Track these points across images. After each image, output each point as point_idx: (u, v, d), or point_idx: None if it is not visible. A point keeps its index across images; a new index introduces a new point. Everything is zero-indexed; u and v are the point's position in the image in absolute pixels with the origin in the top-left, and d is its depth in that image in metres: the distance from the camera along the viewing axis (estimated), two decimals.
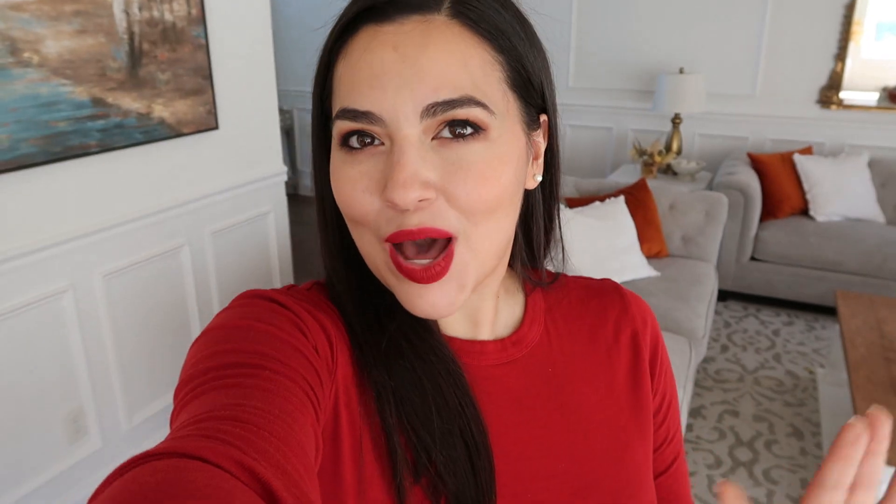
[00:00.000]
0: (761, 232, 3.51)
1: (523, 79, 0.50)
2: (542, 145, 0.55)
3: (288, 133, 5.72)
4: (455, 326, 0.57)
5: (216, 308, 2.53)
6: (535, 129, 0.53)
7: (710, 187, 3.80)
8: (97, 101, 1.98)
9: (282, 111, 5.27)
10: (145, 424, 2.30)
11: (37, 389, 1.95)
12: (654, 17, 4.21)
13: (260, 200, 2.70)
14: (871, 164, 3.66)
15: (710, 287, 2.87)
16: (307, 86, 5.54)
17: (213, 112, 2.38)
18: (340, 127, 0.47)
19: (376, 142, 0.47)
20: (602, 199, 3.01)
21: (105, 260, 2.08)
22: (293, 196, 5.45)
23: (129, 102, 2.08)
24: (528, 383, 0.57)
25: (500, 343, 0.58)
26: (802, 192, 3.60)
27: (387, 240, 0.47)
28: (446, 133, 0.46)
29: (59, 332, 1.99)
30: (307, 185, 5.94)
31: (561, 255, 0.63)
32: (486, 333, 0.58)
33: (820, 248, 3.39)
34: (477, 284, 0.50)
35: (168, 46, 2.18)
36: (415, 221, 0.46)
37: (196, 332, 2.46)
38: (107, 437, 2.17)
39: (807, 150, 3.81)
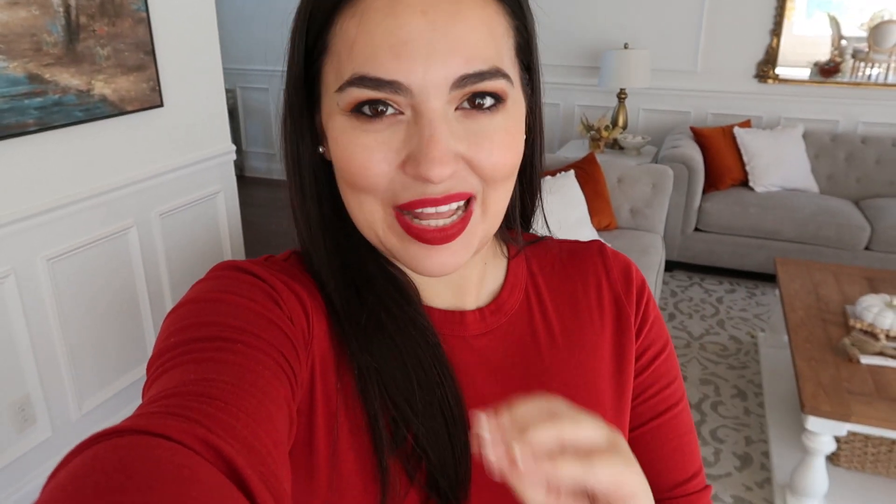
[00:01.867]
0: (704, 203, 3.63)
1: (527, 43, 0.50)
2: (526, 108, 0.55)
3: (232, 113, 5.58)
4: (439, 296, 0.56)
5: (166, 291, 2.47)
6: (527, 90, 0.53)
7: (655, 161, 3.90)
8: (33, 78, 1.90)
9: (225, 90, 5.13)
10: (96, 411, 2.24)
11: None
12: None
13: (209, 180, 2.64)
14: (806, 136, 3.82)
15: (658, 258, 2.96)
16: (251, 63, 5.41)
17: (157, 89, 2.31)
18: (355, 95, 0.45)
19: (390, 110, 0.45)
20: (553, 174, 3.05)
21: (48, 243, 2.01)
22: (240, 178, 5.33)
23: (68, 79, 2.00)
24: (507, 351, 0.56)
25: (479, 313, 0.57)
26: (742, 165, 3.73)
27: (403, 206, 0.46)
28: (466, 104, 0.45)
29: (2, 318, 1.91)
30: (254, 166, 5.82)
31: (543, 225, 0.63)
32: (470, 302, 0.57)
33: (759, 217, 3.53)
34: (479, 248, 0.51)
35: (107, 20, 2.09)
36: (440, 189, 0.45)
37: (146, 315, 2.40)
38: (56, 425, 2.11)
39: (746, 124, 3.94)
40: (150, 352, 2.44)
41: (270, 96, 5.50)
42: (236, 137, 5.65)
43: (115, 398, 2.31)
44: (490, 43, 0.45)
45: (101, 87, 2.11)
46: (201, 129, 2.57)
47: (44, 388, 2.05)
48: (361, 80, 0.44)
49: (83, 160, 2.09)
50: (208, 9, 2.53)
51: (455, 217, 0.48)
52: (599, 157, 3.37)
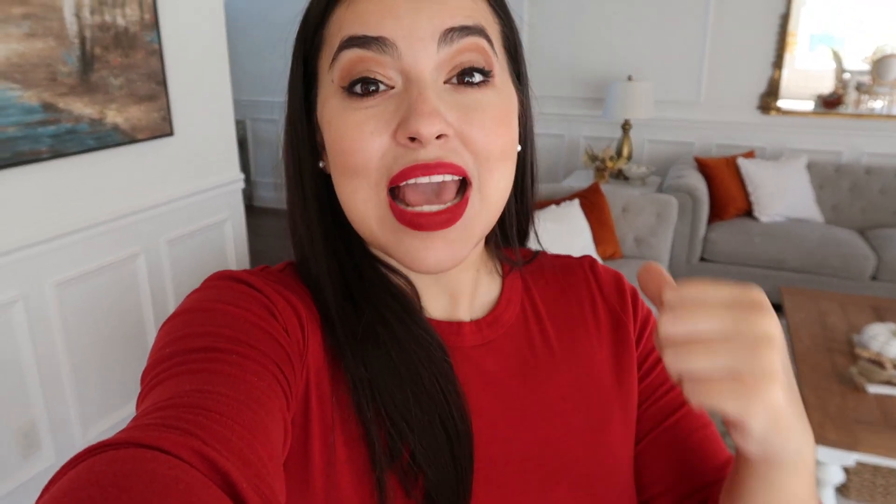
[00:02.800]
0: (709, 233, 3.64)
1: (512, 45, 0.51)
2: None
3: (241, 144, 5.65)
4: (434, 304, 0.56)
5: None
6: (518, 95, 0.53)
7: (659, 191, 3.92)
8: (48, 107, 1.94)
9: (234, 122, 5.21)
10: (101, 437, 2.23)
11: None
12: (602, 27, 4.33)
13: (217, 208, 2.67)
14: (810, 167, 3.84)
15: None
16: (260, 95, 5.51)
17: (167, 118, 2.35)
18: (346, 58, 0.46)
19: (381, 87, 0.46)
20: (558, 203, 3.07)
21: (57, 269, 2.03)
22: (249, 207, 5.38)
23: (81, 108, 2.04)
24: (503, 365, 0.56)
25: (475, 324, 0.56)
26: (747, 195, 3.74)
27: (396, 176, 0.46)
28: (455, 80, 0.46)
29: (10, 344, 1.93)
30: (263, 196, 5.87)
31: (534, 237, 0.64)
32: (464, 312, 0.57)
33: (764, 247, 3.53)
34: (477, 242, 0.50)
35: (121, 51, 2.15)
36: (432, 155, 0.45)
37: (152, 342, 2.41)
38: (61, 451, 2.10)
39: (749, 154, 3.96)
40: None
41: (280, 127, 5.56)
42: (246, 167, 5.72)
43: (120, 425, 2.31)
44: (475, 9, 0.47)
45: (114, 116, 2.15)
46: (210, 157, 2.61)
47: (49, 414, 2.06)
48: (351, 41, 0.45)
49: (94, 187, 2.13)
50: (220, 41, 2.59)
51: (451, 203, 0.47)
52: (604, 187, 3.39)
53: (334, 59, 0.47)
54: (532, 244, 0.64)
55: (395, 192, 0.48)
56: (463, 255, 0.48)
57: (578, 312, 0.61)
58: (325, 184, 0.54)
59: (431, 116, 0.43)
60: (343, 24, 0.46)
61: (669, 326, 0.37)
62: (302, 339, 0.49)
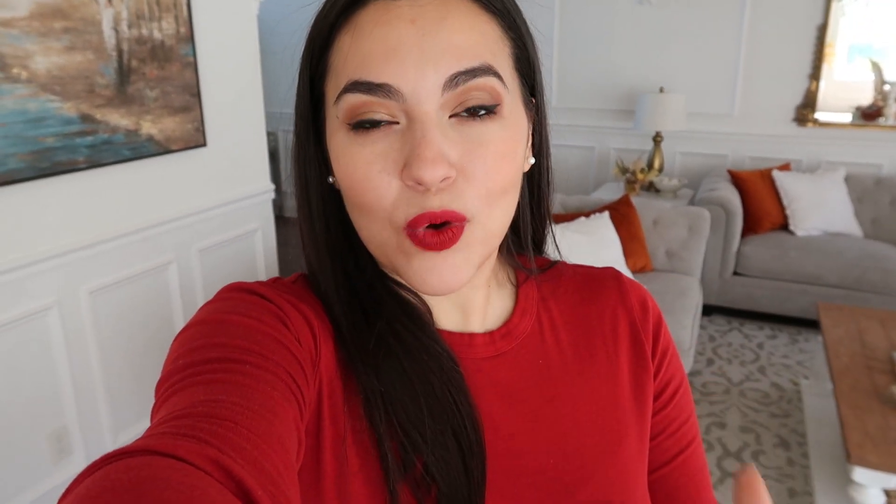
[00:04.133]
0: (743, 247, 3.57)
1: (525, 59, 0.51)
2: (530, 128, 0.55)
3: (273, 155, 5.73)
4: (445, 318, 0.56)
5: None
6: (531, 111, 0.53)
7: (692, 203, 3.86)
8: (85, 118, 1.99)
9: (266, 133, 5.28)
10: None
11: (20, 407, 1.92)
12: (634, 39, 4.30)
13: (248, 218, 2.70)
14: (848, 180, 3.75)
15: (695, 300, 2.90)
16: (291, 108, 5.58)
17: (201, 129, 2.39)
18: (350, 102, 0.46)
19: (384, 121, 0.45)
20: (587, 216, 3.04)
21: (91, 276, 2.07)
22: (279, 218, 5.45)
23: (118, 119, 2.09)
24: (517, 376, 0.55)
25: (488, 336, 0.56)
26: (782, 208, 3.66)
27: (408, 225, 0.46)
28: (463, 113, 0.46)
29: (44, 350, 1.96)
30: (292, 206, 5.94)
31: (554, 249, 0.63)
32: (476, 324, 0.56)
33: (800, 262, 3.45)
34: (481, 264, 0.50)
35: (157, 64, 2.19)
36: (437, 203, 0.45)
37: None
38: (91, 456, 2.13)
39: (785, 167, 3.89)
40: None
41: None
42: (277, 178, 5.79)
43: None
44: (481, 44, 0.46)
45: (149, 127, 2.20)
46: (242, 168, 2.65)
47: (80, 420, 2.09)
48: (355, 86, 0.45)
49: (128, 196, 2.17)
50: (253, 55, 2.64)
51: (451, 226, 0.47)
52: (635, 200, 3.35)
53: (339, 98, 0.46)
54: (552, 251, 0.63)
55: None
56: (467, 276, 0.48)
57: (598, 324, 0.60)
58: (333, 198, 0.54)
59: (434, 163, 0.43)
60: (347, 61, 0.46)
61: None
62: (314, 349, 0.49)
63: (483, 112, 0.46)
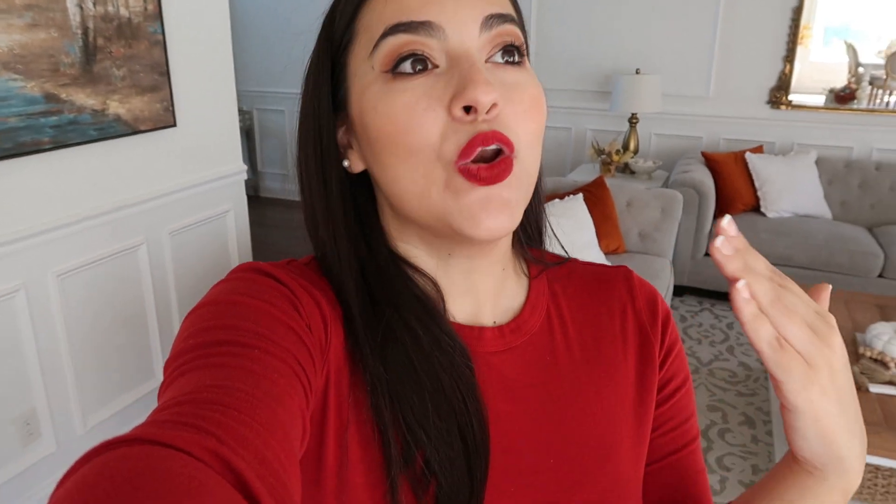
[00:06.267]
0: (715, 228, 3.60)
1: (523, 32, 0.52)
2: None
3: (248, 134, 5.67)
4: (457, 307, 0.55)
5: (174, 309, 2.50)
6: None
7: (666, 185, 3.89)
8: (50, 97, 1.95)
9: (241, 111, 5.21)
10: (101, 427, 2.26)
11: None
12: (610, 20, 4.29)
13: (219, 199, 2.67)
14: (819, 163, 3.80)
15: (667, 282, 2.94)
16: (267, 86, 5.51)
17: (170, 109, 2.35)
18: (391, 44, 0.47)
19: (429, 66, 0.47)
20: (561, 197, 3.06)
21: (59, 259, 2.04)
22: (254, 198, 5.40)
23: (84, 98, 2.05)
24: (524, 372, 0.55)
25: (498, 330, 0.56)
26: (754, 190, 3.71)
27: (460, 156, 0.46)
28: (498, 58, 0.48)
29: (11, 333, 1.94)
30: (268, 186, 5.88)
31: (552, 241, 0.63)
32: (487, 316, 0.56)
33: (771, 243, 3.50)
34: (524, 206, 0.50)
35: (123, 42, 2.15)
36: (487, 126, 0.46)
37: (154, 333, 2.43)
38: (61, 440, 2.13)
39: (758, 149, 3.93)
40: (156, 370, 2.46)
41: (286, 118, 5.58)
42: (252, 158, 5.73)
43: (120, 414, 2.33)
44: (506, 2, 0.50)
45: (116, 107, 2.16)
46: (213, 148, 2.61)
47: (49, 403, 2.08)
48: (395, 28, 0.47)
49: (96, 178, 2.14)
50: (223, 32, 2.59)
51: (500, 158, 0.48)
52: (610, 181, 3.37)
53: (376, 46, 0.48)
54: (548, 240, 0.64)
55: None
56: (514, 218, 0.48)
57: (607, 323, 0.60)
58: (348, 181, 0.54)
59: (487, 84, 0.45)
60: (383, 14, 0.48)
61: (771, 293, 0.42)
62: (324, 336, 0.49)
63: (516, 59, 0.49)
